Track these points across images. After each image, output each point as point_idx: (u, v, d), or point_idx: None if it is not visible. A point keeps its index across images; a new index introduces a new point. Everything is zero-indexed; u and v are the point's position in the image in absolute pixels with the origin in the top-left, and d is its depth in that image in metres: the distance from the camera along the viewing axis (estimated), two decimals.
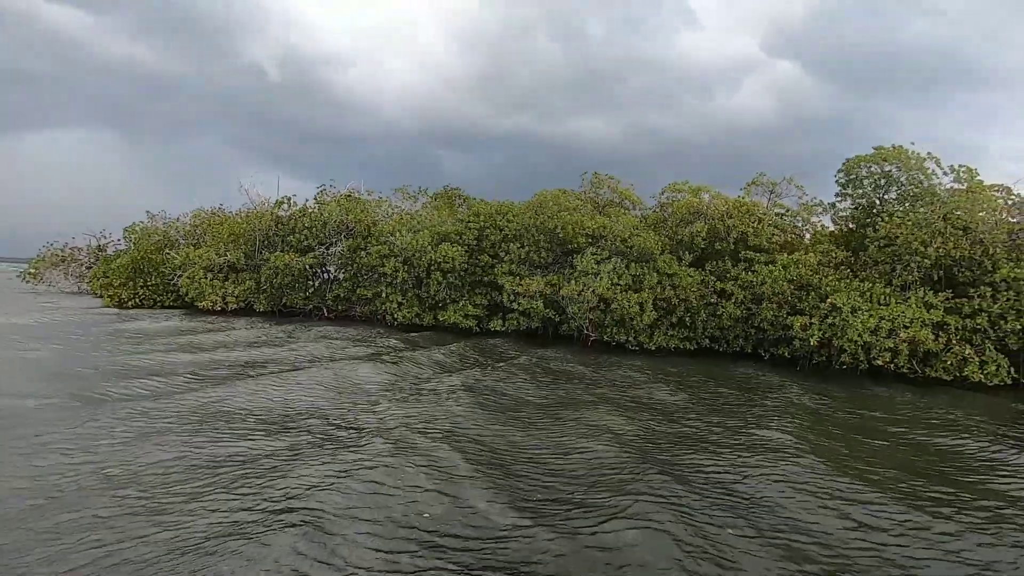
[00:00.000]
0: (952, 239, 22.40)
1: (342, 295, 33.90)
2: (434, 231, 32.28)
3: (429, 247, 30.96)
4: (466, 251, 31.72)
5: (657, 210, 33.63)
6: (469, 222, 32.89)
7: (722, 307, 25.12)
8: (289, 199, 37.05)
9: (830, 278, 23.90)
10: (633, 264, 27.15)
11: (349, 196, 36.83)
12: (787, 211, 31.71)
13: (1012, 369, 20.34)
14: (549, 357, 22.94)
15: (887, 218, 24.68)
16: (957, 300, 21.72)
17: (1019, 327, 20.35)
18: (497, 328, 28.87)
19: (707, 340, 25.69)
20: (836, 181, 29.67)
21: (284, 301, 34.45)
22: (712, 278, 26.61)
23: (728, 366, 23.22)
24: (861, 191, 28.39)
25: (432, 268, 30.81)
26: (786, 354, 23.83)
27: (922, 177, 27.60)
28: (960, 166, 28.16)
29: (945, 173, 27.76)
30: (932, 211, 23.55)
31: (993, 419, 16.13)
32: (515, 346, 25.87)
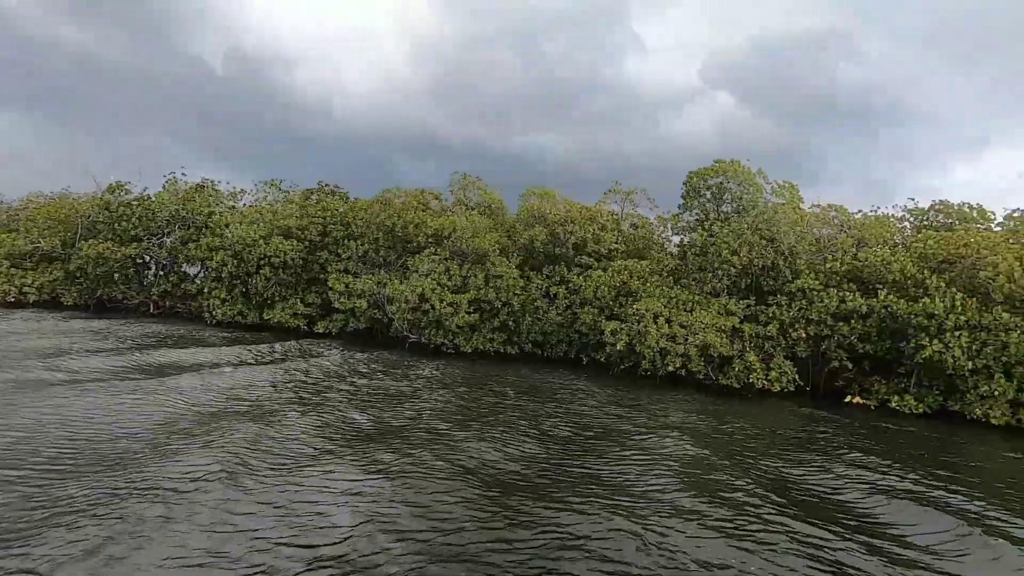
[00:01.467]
0: (757, 249, 22.81)
1: (168, 289, 31.04)
2: (274, 224, 30.22)
3: (261, 241, 28.84)
4: (306, 247, 29.83)
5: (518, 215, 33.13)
6: (315, 217, 31.06)
7: (544, 311, 24.53)
8: (122, 185, 33.79)
9: (648, 285, 23.80)
10: (466, 266, 26.23)
11: (200, 187, 34.02)
12: (639, 220, 31.92)
13: (798, 376, 20.75)
14: (339, 358, 21.40)
15: (706, 228, 25.03)
16: (758, 308, 22.04)
17: (804, 335, 20.79)
18: (322, 329, 27.06)
19: (530, 344, 24.96)
20: (681, 194, 30.09)
21: (100, 294, 31.12)
22: (547, 282, 26.08)
23: (541, 369, 22.53)
24: (699, 202, 28.81)
25: (262, 263, 28.66)
26: (602, 359, 23.42)
27: (753, 191, 28.32)
28: (785, 182, 29.22)
29: (772, 189, 28.71)
30: (742, 222, 23.99)
31: (750, 422, 16.04)
32: (330, 347, 24.14)
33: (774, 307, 21.52)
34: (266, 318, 28.10)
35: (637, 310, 21.59)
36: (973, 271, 19.55)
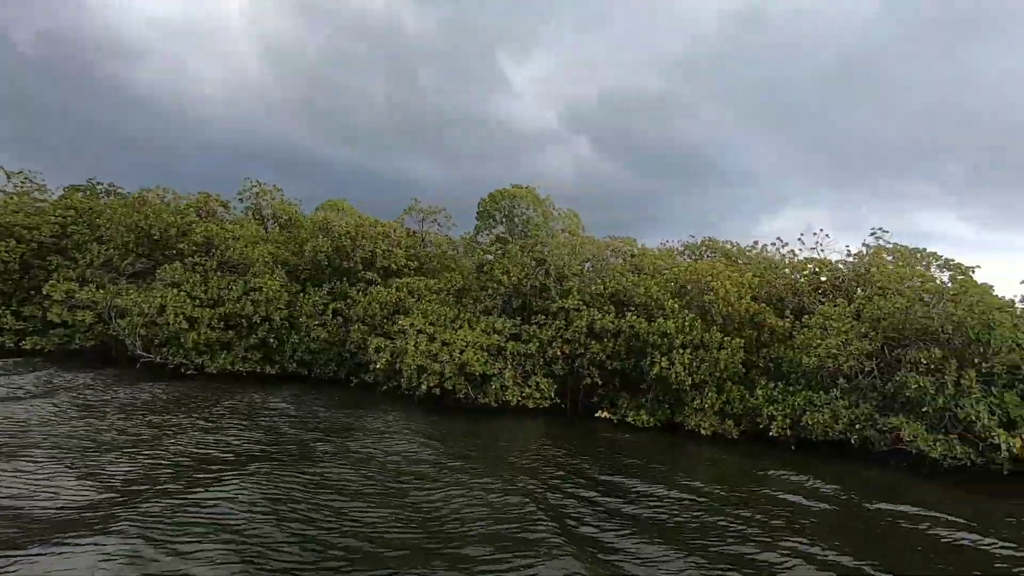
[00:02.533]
0: (527, 270, 23.32)
1: None
2: None
3: None
4: (31, 250, 24.84)
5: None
6: (51, 215, 26.15)
7: (310, 328, 22.68)
8: None
9: (423, 302, 23.13)
10: (229, 277, 23.50)
11: None
12: (440, 239, 31.47)
13: (554, 393, 21.22)
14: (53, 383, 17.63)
15: (485, 248, 25.24)
16: (523, 327, 22.33)
17: (560, 353, 21.41)
18: (29, 347, 22.40)
19: (295, 364, 22.85)
20: (475, 215, 30.17)
21: None
22: (326, 298, 24.27)
23: (296, 390, 20.53)
24: (492, 223, 29.10)
25: None
26: (369, 379, 22.08)
27: (541, 216, 29.22)
28: (568, 210, 30.73)
29: (559, 215, 29.97)
30: (515, 245, 24.53)
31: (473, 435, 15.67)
32: (30, 368, 19.85)
33: (534, 326, 21.95)
34: None
35: (401, 326, 20.70)
36: (701, 295, 21.66)
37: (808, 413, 17.93)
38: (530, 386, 20.70)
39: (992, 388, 16.60)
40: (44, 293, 22.16)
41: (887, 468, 16.58)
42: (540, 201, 30.01)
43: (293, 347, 22.78)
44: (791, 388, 18.88)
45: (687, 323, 20.35)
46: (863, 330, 18.54)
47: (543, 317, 22.24)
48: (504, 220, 30.02)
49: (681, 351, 19.64)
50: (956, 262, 22.15)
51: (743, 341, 20.08)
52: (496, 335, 21.41)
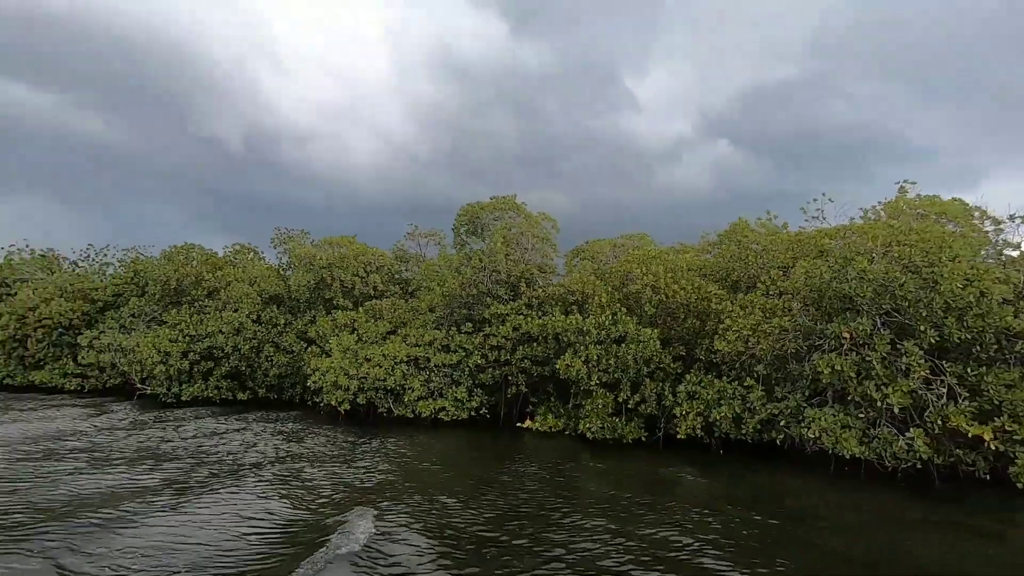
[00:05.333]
0: (463, 278, 22.89)
1: None
2: (68, 287, 30.87)
3: (42, 304, 29.36)
4: (97, 307, 30.26)
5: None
6: (117, 277, 31.71)
7: (275, 355, 24.45)
8: None
9: (372, 322, 23.76)
10: (227, 312, 26.37)
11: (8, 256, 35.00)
12: (426, 261, 32.06)
13: (478, 404, 20.30)
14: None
15: (448, 260, 25.22)
16: (452, 336, 21.81)
17: (484, 362, 20.51)
18: (73, 387, 27.06)
19: (263, 389, 24.71)
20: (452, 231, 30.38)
21: None
22: (300, 325, 26.12)
23: (250, 414, 22.14)
24: (459, 238, 29.13)
25: (37, 325, 29.02)
26: (321, 402, 23.08)
27: (522, 224, 28.61)
28: (542, 214, 29.58)
29: (541, 220, 29.00)
30: (460, 256, 24.23)
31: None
32: (54, 405, 23.99)
33: (462, 335, 21.32)
34: (32, 379, 28.14)
35: (330, 346, 21.49)
36: (623, 286, 19.46)
37: (714, 409, 15.07)
38: (445, 398, 20.05)
39: (944, 363, 12.60)
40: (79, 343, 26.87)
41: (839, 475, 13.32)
42: (519, 208, 29.37)
43: (264, 373, 24.68)
44: (714, 381, 16.01)
45: (607, 318, 18.34)
46: (789, 305, 15.23)
47: (470, 325, 21.58)
48: (477, 232, 29.81)
49: (593, 347, 17.73)
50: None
51: (657, 331, 17.54)
52: (423, 347, 21.19)
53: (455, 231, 29.86)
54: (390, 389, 20.35)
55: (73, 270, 35.38)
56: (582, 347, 18.08)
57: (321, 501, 10.76)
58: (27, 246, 36.27)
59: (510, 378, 20.48)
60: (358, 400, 20.01)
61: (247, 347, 24.51)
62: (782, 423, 14.21)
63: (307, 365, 22.05)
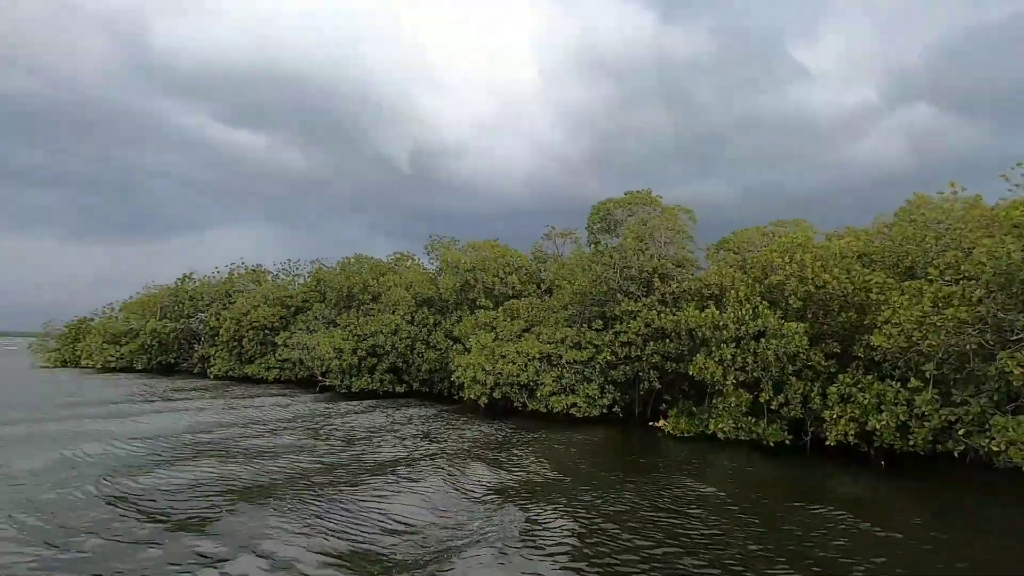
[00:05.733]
0: (592, 275, 22.94)
1: (204, 355, 39.29)
2: (271, 296, 37.19)
3: (252, 310, 35.68)
4: (290, 312, 36.00)
5: None
6: (305, 286, 37.44)
7: (425, 352, 26.78)
8: (189, 276, 44.09)
9: (508, 322, 24.92)
10: (386, 315, 29.68)
11: (231, 275, 42.98)
12: (559, 260, 32.47)
13: (611, 402, 20.13)
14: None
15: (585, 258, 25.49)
16: (584, 333, 21.89)
17: (614, 358, 20.30)
18: (271, 378, 32.31)
19: (417, 383, 27.17)
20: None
21: (159, 360, 40.50)
22: (448, 326, 28.37)
23: (405, 405, 24.51)
24: (592, 236, 29.12)
25: (248, 328, 35.27)
26: (464, 396, 24.76)
27: (660, 217, 28.01)
28: (679, 207, 28.31)
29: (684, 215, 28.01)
30: (593, 256, 24.26)
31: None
32: (264, 392, 28.94)
33: (592, 332, 21.33)
34: (246, 372, 34.27)
35: (470, 344, 22.98)
36: (764, 277, 17.83)
37: (873, 414, 13.20)
38: (576, 394, 20.23)
39: None
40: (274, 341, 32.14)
41: None
42: (654, 201, 28.58)
43: (417, 369, 27.21)
44: (873, 383, 14.03)
45: (746, 312, 17.07)
46: (970, 293, 12.77)
47: (600, 323, 21.52)
48: (611, 229, 29.52)
49: (728, 346, 16.62)
50: None
51: (805, 326, 15.77)
52: (555, 344, 21.65)
53: (588, 229, 29.85)
54: (524, 384, 21.14)
55: (274, 281, 42.15)
56: (716, 345, 17.04)
57: (464, 491, 11.26)
58: (243, 263, 44.36)
59: (641, 374, 20.04)
60: (494, 394, 21.12)
61: (402, 345, 27.22)
62: (960, 432, 12.00)
63: (452, 362, 23.82)
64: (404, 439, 16.70)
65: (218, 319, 37.50)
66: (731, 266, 21.57)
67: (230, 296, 40.21)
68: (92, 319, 48.62)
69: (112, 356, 40.75)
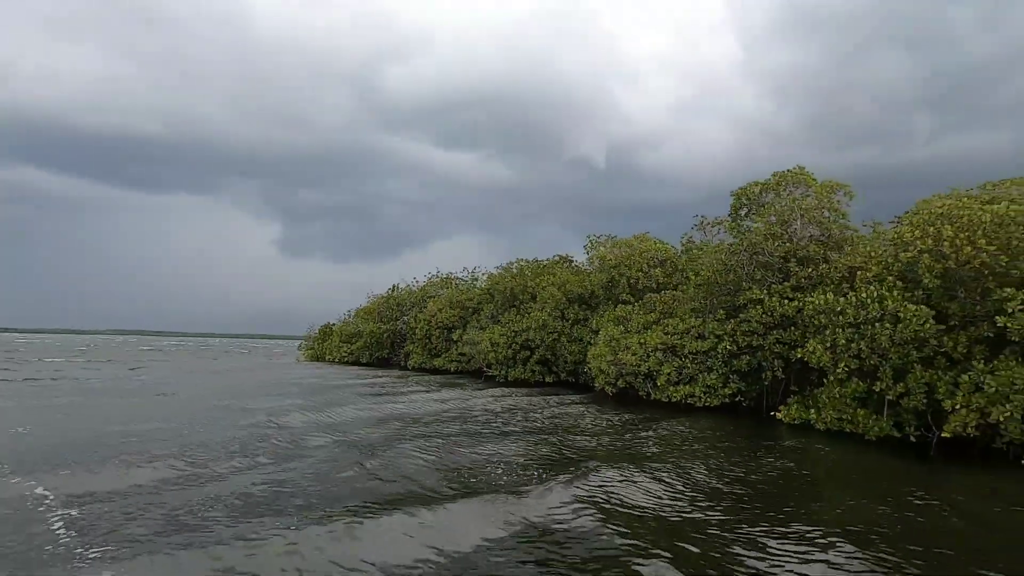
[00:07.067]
0: (719, 264, 22.61)
1: (407, 352, 47.14)
2: (447, 300, 43.23)
3: (438, 312, 41.96)
4: (468, 312, 41.46)
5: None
6: (480, 290, 42.77)
7: (569, 345, 28.93)
8: (396, 286, 53.12)
9: (643, 314, 25.76)
10: (536, 312, 32.75)
11: (425, 286, 50.58)
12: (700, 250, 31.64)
13: (733, 392, 19.79)
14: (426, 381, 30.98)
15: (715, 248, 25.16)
16: (707, 324, 21.75)
17: (735, 348, 19.92)
18: (452, 368, 37.51)
19: (564, 373, 29.40)
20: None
21: (377, 355, 49.63)
22: (591, 319, 30.26)
23: (553, 393, 26.98)
24: (736, 222, 28.13)
25: (434, 328, 41.52)
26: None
27: (808, 204, 26.58)
28: (831, 181, 25.96)
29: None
30: (722, 245, 23.79)
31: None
32: (455, 382, 34.22)
33: (714, 322, 21.13)
34: (434, 364, 40.44)
35: (598, 336, 24.49)
36: (896, 253, 15.94)
37: (996, 406, 11.58)
38: (696, 384, 20.34)
39: None
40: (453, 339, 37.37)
41: None
42: (806, 179, 26.67)
43: (563, 360, 29.55)
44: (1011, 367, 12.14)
45: (869, 295, 15.71)
46: None
47: (722, 312, 21.19)
48: (756, 212, 28.19)
49: (843, 331, 15.51)
50: None
51: (930, 311, 13.94)
52: (679, 335, 22.00)
53: (731, 214, 28.95)
54: (646, 374, 21.94)
55: (457, 286, 48.36)
56: (830, 330, 15.96)
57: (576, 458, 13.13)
58: (437, 271, 51.75)
59: (764, 363, 19.34)
60: (619, 384, 22.35)
61: (550, 339, 29.79)
62: None
63: (589, 354, 25.60)
64: (546, 420, 19.09)
65: (415, 320, 44.80)
66: (880, 243, 19.37)
67: (424, 301, 47.54)
68: (334, 324, 61.61)
69: (345, 352, 51.37)
